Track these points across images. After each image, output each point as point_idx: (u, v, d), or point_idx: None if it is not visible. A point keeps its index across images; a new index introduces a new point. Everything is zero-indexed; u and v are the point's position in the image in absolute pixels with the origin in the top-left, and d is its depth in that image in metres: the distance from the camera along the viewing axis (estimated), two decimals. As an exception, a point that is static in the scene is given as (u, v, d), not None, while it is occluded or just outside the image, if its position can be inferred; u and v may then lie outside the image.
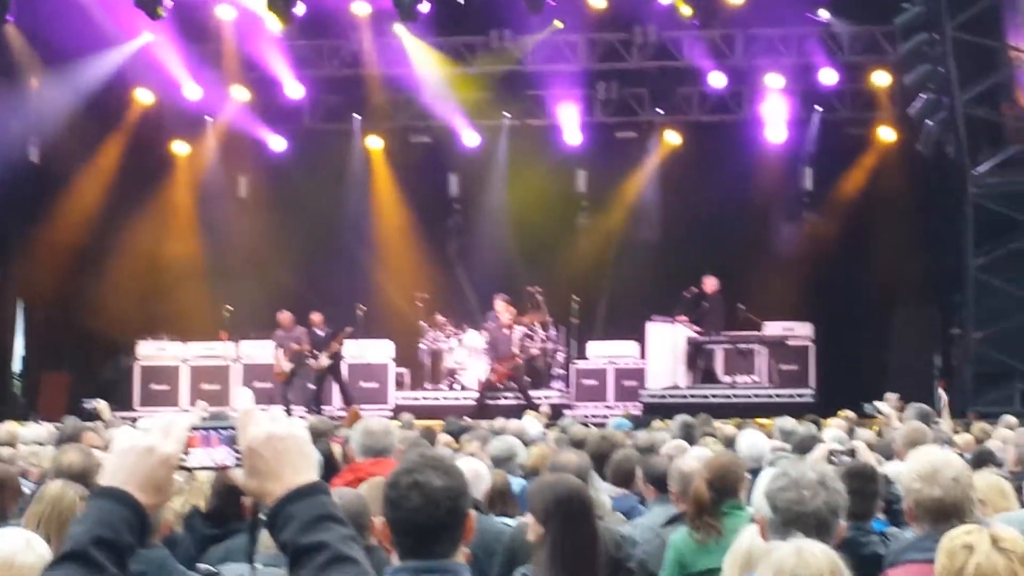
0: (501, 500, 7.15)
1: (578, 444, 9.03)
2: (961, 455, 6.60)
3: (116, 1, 21.06)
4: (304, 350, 21.08)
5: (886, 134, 22.85)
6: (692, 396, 20.13)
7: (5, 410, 19.67)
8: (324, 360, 21.00)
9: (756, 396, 20.39)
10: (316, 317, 21.28)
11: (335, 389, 21.47)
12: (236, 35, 23.06)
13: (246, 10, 22.43)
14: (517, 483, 7.69)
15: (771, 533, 4.27)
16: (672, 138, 23.75)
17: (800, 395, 20.34)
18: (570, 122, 23.56)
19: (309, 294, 22.36)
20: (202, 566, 5.62)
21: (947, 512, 4.65)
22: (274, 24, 22.14)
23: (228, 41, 23.20)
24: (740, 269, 21.71)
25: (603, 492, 7.26)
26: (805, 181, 23.26)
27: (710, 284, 21.31)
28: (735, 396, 20.51)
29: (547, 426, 14.68)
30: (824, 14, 22.30)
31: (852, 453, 6.79)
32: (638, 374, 21.51)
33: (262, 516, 2.38)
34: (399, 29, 22.69)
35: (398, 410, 18.99)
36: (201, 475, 6.16)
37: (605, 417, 18.47)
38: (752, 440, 8.70)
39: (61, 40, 21.04)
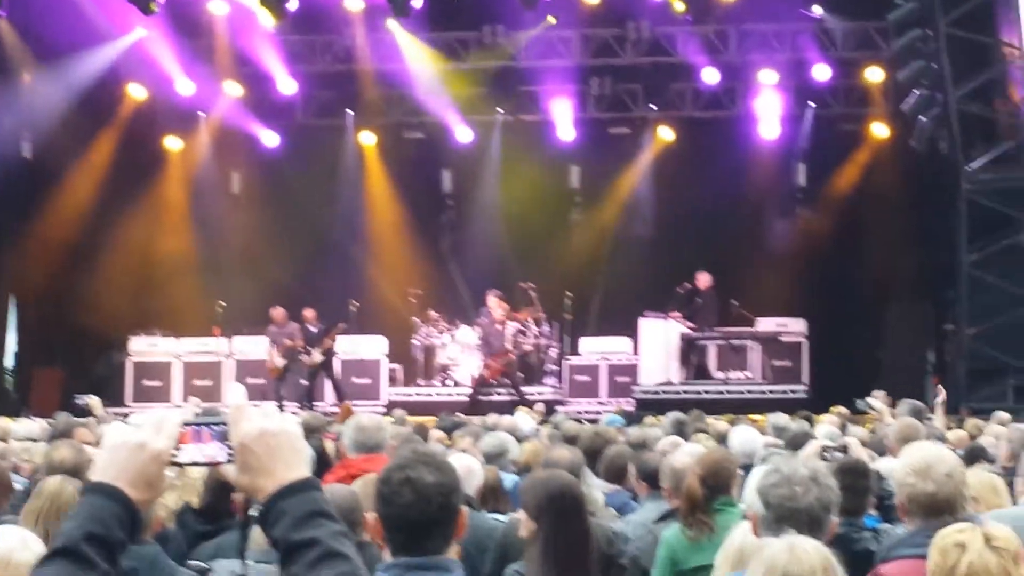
0: (493, 496, 7.15)
1: (571, 440, 9.03)
2: (954, 451, 6.60)
3: (108, -4, 21.06)
4: (297, 346, 21.06)
5: (879, 130, 22.88)
6: (685, 392, 20.13)
7: (-3, 406, 19.65)
8: (317, 356, 20.98)
9: (749, 392, 20.38)
10: (309, 313, 21.27)
11: (328, 385, 21.41)
12: (229, 30, 23.03)
13: (239, 5, 22.40)
14: (509, 479, 7.68)
15: (763, 529, 4.26)
16: (665, 134, 23.75)
17: (793, 391, 20.31)
18: (563, 118, 23.56)
19: (302, 290, 22.33)
20: (193, 562, 5.62)
21: (940, 507, 4.65)
22: (267, 19, 22.12)
23: (221, 36, 23.17)
24: (733, 265, 21.71)
25: (596, 488, 7.26)
26: (798, 177, 23.28)
27: (703, 280, 21.29)
28: (728, 392, 20.50)
29: (540, 422, 14.67)
30: (817, 10, 22.32)
31: (845, 449, 6.80)
32: (631, 370, 21.51)
33: (253, 512, 2.37)
34: (392, 25, 22.67)
35: (391, 406, 19.01)
36: (193, 471, 6.11)
37: (598, 413, 18.43)
38: (745, 436, 8.72)
39: (53, 35, 20.99)
